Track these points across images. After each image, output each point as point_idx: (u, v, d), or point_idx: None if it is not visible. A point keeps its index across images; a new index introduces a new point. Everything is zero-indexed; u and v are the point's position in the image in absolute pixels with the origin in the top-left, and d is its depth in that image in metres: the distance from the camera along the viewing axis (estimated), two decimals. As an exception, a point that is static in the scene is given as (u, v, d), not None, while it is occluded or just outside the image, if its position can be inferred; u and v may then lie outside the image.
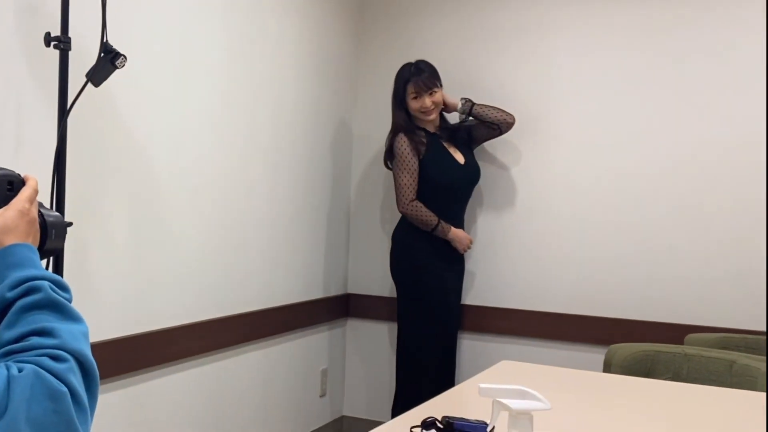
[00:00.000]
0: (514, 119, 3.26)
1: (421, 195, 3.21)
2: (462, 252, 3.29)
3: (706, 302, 3.08)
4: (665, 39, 3.15)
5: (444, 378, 3.27)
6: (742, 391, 2.02)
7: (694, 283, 3.10)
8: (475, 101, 3.26)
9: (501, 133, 3.30)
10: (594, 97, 3.26)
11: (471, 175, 3.30)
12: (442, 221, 3.19)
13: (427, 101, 3.19)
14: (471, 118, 3.29)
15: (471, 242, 3.30)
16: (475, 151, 3.38)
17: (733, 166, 3.05)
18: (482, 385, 1.08)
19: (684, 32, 3.12)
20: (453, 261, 3.31)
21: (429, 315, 3.23)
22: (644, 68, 3.18)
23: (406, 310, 3.29)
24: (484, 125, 3.29)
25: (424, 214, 3.18)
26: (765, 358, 2.24)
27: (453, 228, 3.22)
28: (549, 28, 3.33)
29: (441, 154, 3.23)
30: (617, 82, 3.23)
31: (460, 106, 3.26)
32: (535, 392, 1.06)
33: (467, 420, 1.49)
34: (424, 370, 3.23)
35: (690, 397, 1.94)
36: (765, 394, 1.98)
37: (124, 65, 1.90)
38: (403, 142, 3.18)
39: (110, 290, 2.27)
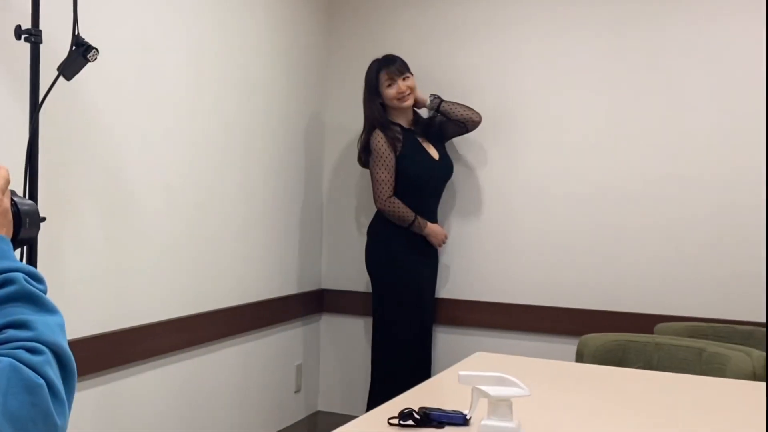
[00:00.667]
0: (480, 118, 3.28)
1: (397, 190, 3.22)
2: (437, 246, 3.32)
3: (674, 292, 3.13)
4: (639, 36, 3.18)
5: (419, 372, 3.29)
6: (712, 378, 2.06)
7: (662, 274, 3.15)
8: (444, 98, 3.28)
9: (468, 131, 3.32)
10: (564, 92, 3.30)
11: (445, 170, 3.33)
12: (418, 217, 3.21)
13: (402, 85, 3.20)
14: (439, 114, 3.31)
15: (446, 237, 3.33)
16: (446, 146, 3.40)
17: (698, 160, 3.10)
18: (462, 373, 1.09)
19: (658, 29, 3.16)
20: (427, 255, 3.33)
21: (404, 309, 3.24)
22: (615, 63, 3.22)
23: (381, 305, 3.31)
24: (451, 122, 3.31)
25: (402, 210, 3.20)
26: (733, 346, 2.29)
27: (429, 223, 3.24)
28: (519, 23, 3.36)
29: (416, 150, 3.25)
30: (588, 76, 3.26)
31: (428, 102, 3.28)
32: (514, 379, 1.07)
33: (444, 410, 1.51)
34: (399, 364, 3.25)
35: (662, 384, 1.98)
36: (734, 380, 2.03)
37: (96, 58, 1.88)
38: (380, 138, 3.19)
39: (84, 287, 2.25)
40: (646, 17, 3.17)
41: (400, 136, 3.22)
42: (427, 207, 3.29)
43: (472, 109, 3.28)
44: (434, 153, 3.29)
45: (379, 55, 3.30)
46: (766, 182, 3.00)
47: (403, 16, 3.55)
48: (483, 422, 1.10)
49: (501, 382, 1.07)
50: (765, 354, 2.16)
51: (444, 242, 3.32)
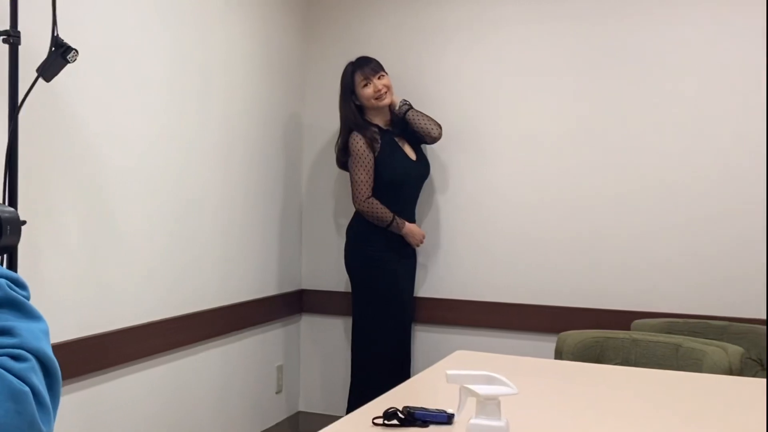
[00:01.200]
0: (439, 134, 3.30)
1: (375, 190, 3.23)
2: (415, 246, 3.33)
3: (649, 289, 3.18)
4: (614, 40, 3.22)
5: (399, 371, 3.31)
6: (689, 373, 2.10)
7: (638, 271, 3.20)
8: (413, 106, 3.29)
9: (427, 143, 3.34)
10: (539, 94, 3.33)
11: (422, 170, 3.35)
12: (396, 217, 3.22)
13: (378, 84, 3.21)
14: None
15: (424, 237, 3.34)
16: (424, 147, 3.42)
17: (671, 162, 3.15)
18: (450, 372, 1.10)
19: (634, 35, 3.20)
20: (406, 255, 3.34)
21: (383, 309, 3.26)
22: (592, 66, 3.26)
23: (360, 305, 3.32)
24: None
25: (380, 210, 3.21)
26: (709, 341, 2.34)
27: (407, 223, 3.25)
28: (496, 27, 3.39)
29: (394, 150, 3.26)
30: (563, 78, 3.30)
31: (398, 106, 3.29)
32: (502, 377, 1.09)
33: (428, 410, 1.53)
34: (379, 363, 3.26)
35: (641, 380, 2.01)
36: (710, 375, 2.07)
37: (75, 59, 1.87)
38: (358, 139, 3.20)
39: (64, 291, 2.23)
40: (623, 21, 3.21)
41: (378, 137, 3.23)
42: (405, 207, 3.30)
43: (434, 124, 3.29)
44: (411, 153, 3.31)
45: (355, 57, 3.32)
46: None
47: (380, 19, 3.57)
48: (471, 421, 1.11)
49: (489, 380, 1.08)
50: (740, 349, 2.20)
51: (422, 242, 3.34)
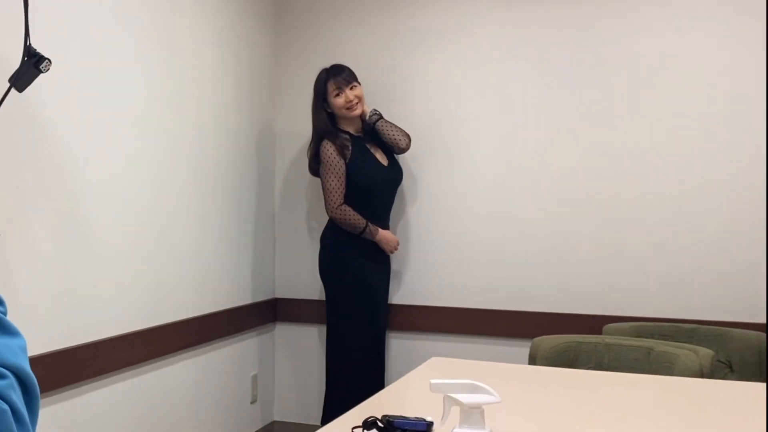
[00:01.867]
0: (407, 145, 3.31)
1: (348, 197, 3.24)
2: (389, 253, 3.34)
3: (620, 293, 3.22)
4: (585, 47, 3.27)
5: (373, 379, 3.31)
6: (661, 377, 2.14)
7: (608, 276, 3.24)
8: (383, 115, 3.31)
9: (395, 153, 3.36)
10: (511, 101, 3.36)
11: (394, 176, 3.36)
12: (369, 224, 3.23)
13: (350, 94, 3.23)
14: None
15: (398, 243, 3.35)
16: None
17: (642, 162, 3.20)
18: (433, 381, 1.11)
19: (599, 36, 3.25)
20: (380, 262, 3.35)
21: (357, 317, 3.26)
22: (563, 72, 3.29)
23: (334, 313, 3.32)
24: None
25: (353, 217, 3.21)
26: (680, 344, 2.38)
27: (381, 230, 3.26)
28: (467, 34, 3.42)
29: (366, 157, 3.27)
30: (532, 80, 3.33)
31: (368, 116, 3.31)
32: (485, 386, 1.10)
33: (407, 418, 1.54)
34: (352, 371, 3.26)
35: (617, 384, 2.04)
36: (683, 378, 2.11)
37: (48, 69, 1.85)
38: (329, 147, 3.20)
39: (38, 304, 2.20)
40: (593, 29, 3.26)
41: (349, 144, 3.24)
42: (379, 213, 3.31)
43: (402, 135, 3.30)
44: (383, 159, 3.32)
45: (327, 64, 3.33)
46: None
47: (351, 26, 3.58)
48: (455, 430, 1.12)
49: (472, 389, 1.09)
50: (711, 352, 2.25)
51: (396, 249, 3.35)
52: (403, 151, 3.34)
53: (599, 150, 3.25)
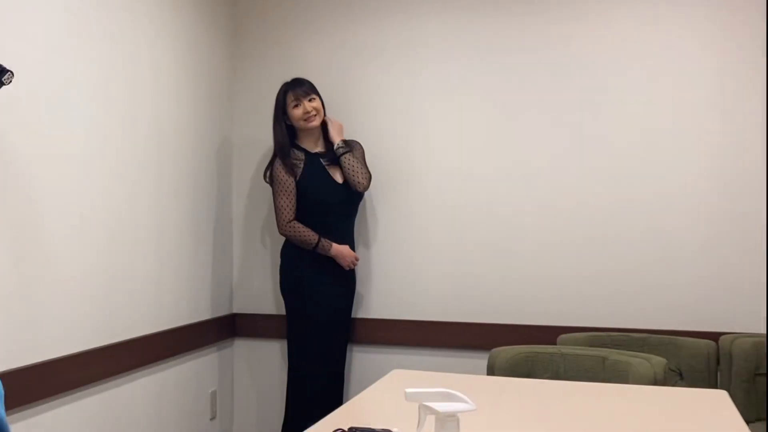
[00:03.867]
0: (365, 187, 3.31)
1: (303, 213, 3.26)
2: (347, 268, 3.35)
3: (573, 304, 3.29)
4: (549, 57, 3.34)
5: (332, 395, 3.32)
6: (615, 385, 2.20)
7: (561, 288, 3.30)
8: (353, 150, 3.31)
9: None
10: (471, 114, 3.41)
11: (349, 192, 3.34)
12: (323, 239, 3.24)
13: (308, 105, 3.26)
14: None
15: (356, 258, 3.37)
16: None
17: (590, 178, 3.29)
18: (409, 390, 1.14)
19: (560, 42, 3.33)
20: (340, 276, 3.35)
21: (314, 332, 3.27)
22: (524, 82, 3.35)
23: (293, 328, 3.32)
24: None
25: (303, 233, 3.23)
26: (633, 353, 2.45)
27: (334, 245, 3.27)
28: (425, 46, 3.46)
29: (317, 173, 3.29)
30: (494, 97, 3.38)
31: (335, 146, 3.31)
32: (459, 394, 1.13)
33: (374, 429, 1.56)
34: (311, 387, 3.26)
35: (573, 392, 2.09)
36: (637, 386, 2.17)
37: (11, 81, 1.82)
38: (278, 167, 3.25)
39: (-9, 321, 2.16)
40: (549, 36, 3.34)
41: (300, 162, 3.28)
42: (337, 229, 3.32)
43: (363, 175, 3.30)
44: (339, 177, 3.33)
45: (284, 76, 3.37)
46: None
47: (307, 40, 3.60)
48: (428, 439, 1.15)
49: (447, 397, 1.12)
50: (663, 360, 2.33)
51: (354, 263, 3.35)
52: (361, 191, 3.33)
53: (554, 165, 3.32)
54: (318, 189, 3.26)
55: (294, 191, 3.24)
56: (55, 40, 2.42)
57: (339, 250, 3.27)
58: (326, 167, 3.31)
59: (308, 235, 3.22)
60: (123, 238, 2.78)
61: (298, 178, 3.24)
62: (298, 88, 3.27)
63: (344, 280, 3.38)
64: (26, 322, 2.29)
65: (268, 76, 3.59)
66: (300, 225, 3.23)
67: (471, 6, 3.41)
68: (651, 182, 3.22)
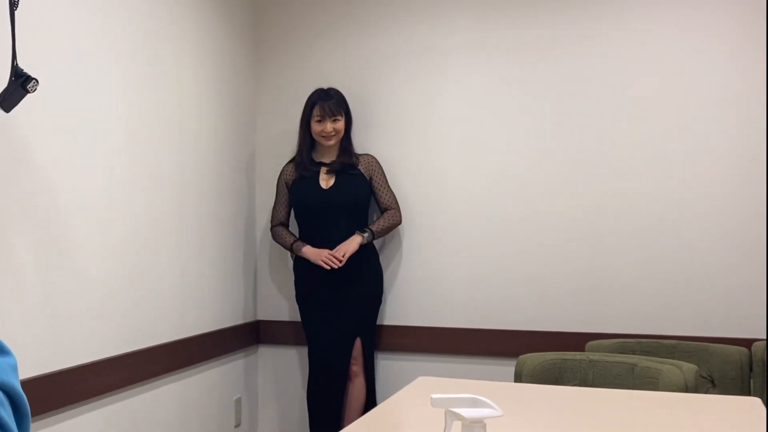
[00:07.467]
0: (399, 220, 3.41)
1: (293, 217, 3.42)
2: (322, 265, 3.21)
3: (602, 311, 3.25)
4: (562, 61, 3.33)
5: (329, 416, 3.30)
6: (645, 392, 2.16)
7: (590, 293, 3.27)
8: (374, 229, 3.32)
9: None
10: (489, 116, 3.39)
11: (336, 198, 3.29)
12: (295, 242, 3.32)
13: (329, 126, 3.27)
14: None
15: (330, 254, 3.22)
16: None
17: (622, 182, 3.24)
18: (434, 396, 1.12)
19: (577, 52, 3.30)
20: (348, 282, 3.28)
21: (312, 339, 3.35)
22: (538, 88, 3.34)
23: (304, 335, 3.41)
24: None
25: (281, 237, 3.40)
26: (663, 360, 2.40)
27: (304, 247, 3.30)
28: (446, 52, 3.45)
29: (307, 179, 3.33)
30: (511, 101, 3.37)
31: (362, 239, 3.27)
32: (486, 400, 1.11)
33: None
34: (330, 392, 3.29)
35: (602, 400, 2.05)
36: (667, 393, 2.13)
37: (35, 89, 1.84)
38: (283, 172, 3.41)
39: (19, 328, 2.17)
40: (566, 39, 3.31)
41: (307, 173, 3.32)
42: (326, 233, 3.29)
43: (393, 222, 3.38)
44: (326, 183, 3.32)
45: (307, 81, 3.42)
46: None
47: (331, 47, 3.61)
48: (454, 444, 1.12)
49: (473, 403, 1.10)
50: (694, 367, 2.27)
51: (327, 258, 3.21)
52: (399, 223, 3.42)
53: (580, 169, 3.29)
54: (300, 195, 3.34)
55: (285, 196, 3.39)
56: (80, 49, 2.44)
57: (307, 251, 3.28)
58: (319, 173, 3.33)
59: (284, 239, 3.38)
60: (147, 246, 2.79)
61: (290, 185, 3.36)
62: (326, 102, 3.27)
63: (347, 288, 3.30)
64: (51, 329, 2.30)
65: (290, 84, 3.60)
66: (281, 229, 3.39)
67: (495, 12, 3.39)
68: (685, 191, 3.17)
